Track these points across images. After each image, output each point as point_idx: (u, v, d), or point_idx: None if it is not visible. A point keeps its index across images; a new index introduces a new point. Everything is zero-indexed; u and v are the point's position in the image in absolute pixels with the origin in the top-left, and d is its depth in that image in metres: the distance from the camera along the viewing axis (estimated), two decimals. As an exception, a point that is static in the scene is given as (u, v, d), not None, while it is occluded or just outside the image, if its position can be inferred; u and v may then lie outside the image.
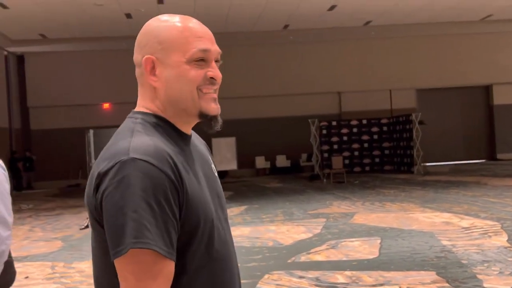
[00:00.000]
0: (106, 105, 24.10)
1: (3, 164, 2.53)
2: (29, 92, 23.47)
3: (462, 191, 13.59)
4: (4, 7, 16.05)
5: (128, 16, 18.21)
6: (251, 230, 9.50)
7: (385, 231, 8.63)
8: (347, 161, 21.82)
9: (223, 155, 23.40)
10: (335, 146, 22.68)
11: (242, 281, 1.62)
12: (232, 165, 23.68)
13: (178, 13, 1.51)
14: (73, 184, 23.05)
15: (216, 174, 1.60)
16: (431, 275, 5.86)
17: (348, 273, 6.15)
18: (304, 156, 24.15)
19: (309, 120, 22.00)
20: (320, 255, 7.25)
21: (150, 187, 1.28)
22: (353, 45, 24.30)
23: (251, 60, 24.13)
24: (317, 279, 5.97)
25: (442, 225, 8.89)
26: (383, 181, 18.06)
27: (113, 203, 1.28)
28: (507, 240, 7.40)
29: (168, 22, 1.47)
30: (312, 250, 7.54)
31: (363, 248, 7.48)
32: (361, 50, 24.46)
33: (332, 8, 18.52)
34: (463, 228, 8.52)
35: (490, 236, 7.74)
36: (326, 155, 21.91)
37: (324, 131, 22.60)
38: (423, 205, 11.43)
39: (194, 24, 1.48)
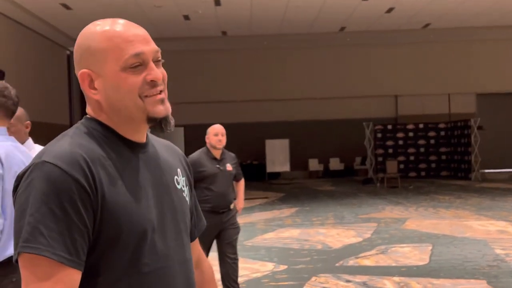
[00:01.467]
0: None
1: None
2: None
3: (520, 200, 13.21)
4: (67, 7, 16.59)
5: (186, 17, 18.49)
6: (300, 232, 9.51)
7: (437, 238, 8.49)
8: (402, 166, 21.52)
9: (276, 157, 23.41)
10: (390, 150, 22.40)
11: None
12: (285, 167, 23.66)
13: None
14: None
15: (180, 187, 1.51)
16: (481, 284, 5.75)
17: (396, 279, 6.10)
18: (358, 159, 23.94)
19: (364, 123, 21.81)
20: (368, 259, 7.20)
21: (53, 191, 1.24)
22: (411, 48, 23.93)
23: (307, 63, 24.08)
24: (364, 283, 5.94)
25: (497, 234, 8.68)
26: (439, 187, 17.72)
27: (18, 205, 1.26)
28: None
29: (97, 30, 1.39)
30: (361, 255, 7.49)
31: (413, 255, 7.38)
32: (419, 53, 24.06)
33: (390, 10, 18.30)
34: (519, 237, 8.30)
35: (546, 247, 7.52)
36: (380, 159, 21.67)
37: (379, 135, 22.36)
38: (479, 213, 11.18)
39: (123, 27, 1.39)
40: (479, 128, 20.29)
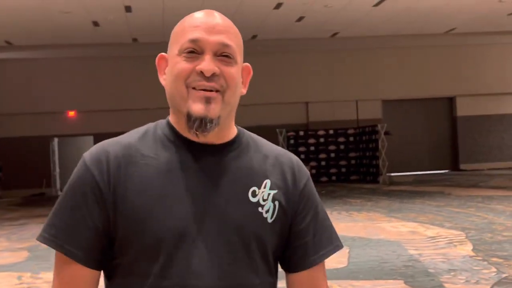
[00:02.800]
0: (71, 113, 23.82)
1: None
2: (-8, 99, 23.07)
3: (427, 201, 13.81)
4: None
5: (96, 24, 18.08)
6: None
7: (353, 240, 8.73)
8: (314, 171, 21.97)
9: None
10: (302, 156, 22.79)
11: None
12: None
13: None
14: (37, 193, 22.67)
15: (257, 200, 1.32)
16: (399, 284, 5.96)
17: (318, 282, 6.20)
18: (271, 165, 24.19)
19: (277, 130, 22.12)
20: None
21: (74, 184, 1.29)
22: (320, 56, 24.54)
23: (219, 70, 24.12)
24: (287, 288, 6.01)
25: (409, 235, 9.04)
26: (350, 191, 18.24)
27: None
28: (472, 249, 7.57)
29: (183, 18, 1.38)
30: (282, 260, 7.57)
31: (332, 258, 7.43)
32: (328, 61, 24.72)
33: (300, 19, 18.71)
34: (429, 237, 8.68)
35: (455, 246, 7.90)
36: (293, 164, 22.00)
37: (292, 141, 22.75)
38: (389, 215, 11.60)
39: (200, 14, 1.35)
40: (386, 133, 21.08)
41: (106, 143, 1.32)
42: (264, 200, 1.32)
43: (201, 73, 1.26)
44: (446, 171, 25.75)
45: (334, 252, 1.49)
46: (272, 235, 1.34)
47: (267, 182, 1.34)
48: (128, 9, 16.55)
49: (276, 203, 1.34)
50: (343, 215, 11.97)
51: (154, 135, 1.33)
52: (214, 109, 1.27)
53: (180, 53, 1.30)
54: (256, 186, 1.33)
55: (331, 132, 23.32)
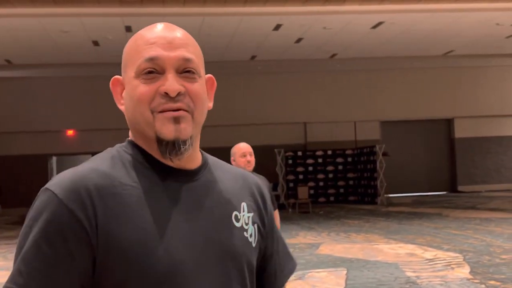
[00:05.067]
0: (70, 132, 23.84)
1: None
2: (-8, 117, 23.14)
3: (425, 223, 13.79)
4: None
5: (96, 43, 18.17)
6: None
7: (351, 262, 8.71)
8: (312, 191, 21.96)
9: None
10: (301, 176, 22.83)
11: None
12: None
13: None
14: (34, 211, 22.56)
15: (241, 225, 1.23)
16: (396, 307, 5.94)
17: (315, 304, 6.19)
18: (270, 185, 24.17)
19: (275, 150, 22.15)
20: (286, 286, 7.26)
21: (45, 222, 1.05)
22: (319, 77, 24.66)
23: (219, 90, 24.10)
24: (284, 310, 5.97)
25: (406, 257, 9.01)
26: (348, 212, 18.21)
27: (20, 235, 1.10)
28: (469, 272, 7.55)
29: (135, 34, 1.23)
30: (279, 281, 7.54)
31: (330, 279, 7.53)
32: (327, 82, 24.83)
33: (299, 40, 18.82)
34: (427, 259, 8.66)
35: (453, 268, 7.88)
36: (291, 185, 22.03)
37: (290, 161, 22.77)
38: (387, 236, 11.57)
39: (155, 28, 1.20)
40: (384, 154, 21.10)
41: (78, 171, 1.11)
42: (246, 224, 1.25)
43: (166, 94, 1.14)
44: (444, 192, 25.74)
45: (294, 269, 1.39)
46: (255, 260, 1.27)
47: (244, 205, 1.27)
48: (128, 28, 16.65)
49: (255, 226, 1.27)
50: (341, 236, 11.94)
51: (122, 161, 1.16)
52: (186, 129, 1.15)
53: (137, 75, 1.16)
54: (237, 210, 1.24)
55: (329, 152, 23.35)
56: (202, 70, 1.23)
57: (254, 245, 1.25)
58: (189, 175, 1.20)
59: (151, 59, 1.14)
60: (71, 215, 1.05)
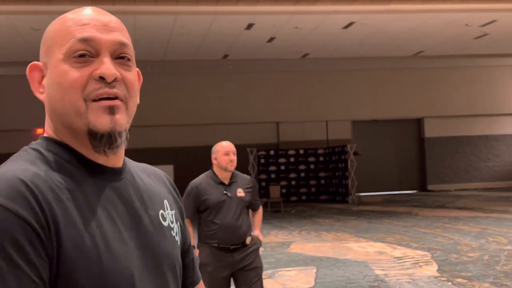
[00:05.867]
0: (39, 131, 23.53)
1: None
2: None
3: (394, 221, 13.96)
4: None
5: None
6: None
7: (321, 261, 8.79)
8: (284, 190, 22.05)
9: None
10: (273, 175, 22.91)
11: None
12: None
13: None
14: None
15: (168, 223, 1.17)
16: (365, 304, 6.02)
17: (285, 302, 6.23)
18: (241, 185, 24.21)
19: (248, 149, 22.19)
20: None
21: None
22: (291, 76, 24.77)
23: (191, 89, 24.19)
24: (254, 309, 6.02)
25: (376, 255, 9.13)
26: (319, 211, 18.34)
27: None
28: (437, 270, 7.68)
29: (60, 17, 1.10)
30: (250, 280, 7.58)
31: (299, 278, 7.59)
32: (299, 81, 24.95)
33: (271, 40, 18.88)
34: (396, 257, 8.78)
35: (421, 266, 8.01)
36: (264, 184, 22.10)
37: (262, 160, 22.84)
38: (357, 235, 11.69)
39: (85, 10, 1.09)
40: (355, 153, 21.29)
41: (12, 171, 0.96)
42: (172, 222, 1.18)
43: (101, 78, 1.02)
44: (414, 191, 26.06)
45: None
46: (180, 257, 1.22)
47: (166, 202, 1.20)
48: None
49: (178, 223, 1.22)
50: (312, 235, 12.03)
51: (48, 162, 1.02)
52: (121, 120, 1.04)
53: (67, 57, 1.03)
54: (162, 209, 1.17)
55: (301, 151, 23.47)
56: (134, 60, 1.13)
57: (179, 243, 1.21)
58: (117, 174, 1.10)
59: (85, 40, 1.03)
60: (23, 222, 0.91)
